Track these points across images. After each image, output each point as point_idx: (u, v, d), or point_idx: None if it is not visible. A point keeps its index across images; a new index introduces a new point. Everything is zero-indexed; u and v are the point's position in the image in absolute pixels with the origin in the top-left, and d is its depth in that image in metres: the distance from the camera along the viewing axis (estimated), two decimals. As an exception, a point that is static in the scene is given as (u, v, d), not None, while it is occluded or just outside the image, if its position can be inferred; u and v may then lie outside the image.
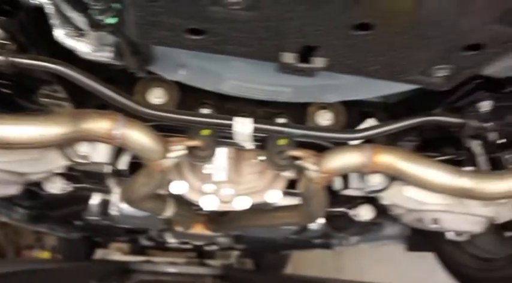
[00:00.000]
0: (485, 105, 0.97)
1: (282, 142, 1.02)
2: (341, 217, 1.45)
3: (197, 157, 1.00)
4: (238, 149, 1.12)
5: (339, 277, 3.17)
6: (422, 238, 1.55)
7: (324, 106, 1.10)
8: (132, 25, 0.65)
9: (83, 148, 0.97)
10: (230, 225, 1.61)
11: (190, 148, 0.99)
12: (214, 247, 3.18)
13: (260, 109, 1.09)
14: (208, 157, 1.00)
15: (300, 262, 3.70)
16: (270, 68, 0.75)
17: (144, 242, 3.09)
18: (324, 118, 1.09)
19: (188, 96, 1.04)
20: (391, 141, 1.10)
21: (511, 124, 1.02)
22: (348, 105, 1.10)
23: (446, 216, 1.13)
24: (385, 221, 1.58)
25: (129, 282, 3.18)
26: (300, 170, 1.06)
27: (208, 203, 1.15)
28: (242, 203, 1.17)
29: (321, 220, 1.48)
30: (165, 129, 1.01)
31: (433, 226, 1.17)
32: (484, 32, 0.57)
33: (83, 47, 0.79)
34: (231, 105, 1.07)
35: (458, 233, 1.29)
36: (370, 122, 1.09)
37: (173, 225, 1.82)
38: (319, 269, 3.56)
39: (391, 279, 2.18)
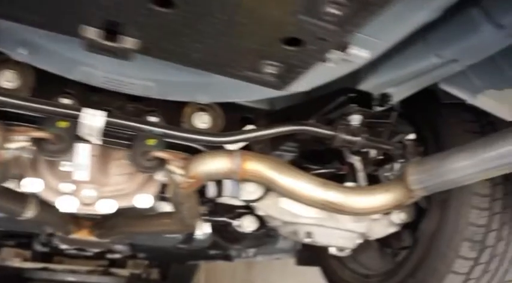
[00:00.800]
0: (355, 119, 0.97)
1: (151, 142, 0.94)
2: (227, 227, 1.39)
3: (47, 151, 0.88)
4: (107, 147, 1.02)
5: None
6: (310, 253, 1.54)
7: (203, 108, 1.04)
8: None
9: None
10: (112, 231, 1.49)
11: (39, 141, 0.87)
12: (117, 256, 2.99)
13: (130, 105, 1.00)
14: (61, 153, 0.89)
15: (211, 274, 3.61)
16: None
17: (38, 248, 2.83)
18: (201, 120, 1.03)
19: (48, 84, 0.92)
20: (268, 149, 1.07)
21: (378, 141, 1.03)
22: (229, 109, 1.05)
23: (318, 230, 1.11)
24: (278, 234, 1.56)
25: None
26: (169, 174, 0.99)
27: (66, 204, 1.03)
28: (107, 206, 1.06)
29: (207, 230, 1.41)
30: (19, 119, 0.89)
31: (306, 240, 1.14)
32: (297, 23, 0.54)
33: None
34: (98, 97, 0.97)
35: (340, 248, 1.28)
36: (248, 128, 1.05)
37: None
38: (230, 281, 3.50)
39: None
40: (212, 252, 1.91)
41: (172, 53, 0.64)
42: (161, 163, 0.95)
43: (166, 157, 0.93)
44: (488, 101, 0.97)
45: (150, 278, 3.54)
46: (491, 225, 1.09)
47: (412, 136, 1.09)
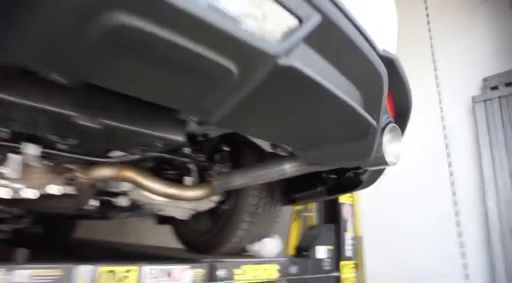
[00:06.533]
0: (187, 149, 1.77)
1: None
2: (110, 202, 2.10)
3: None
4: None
5: (124, 241, 3.86)
6: (165, 217, 2.36)
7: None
8: None
9: None
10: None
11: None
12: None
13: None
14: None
15: (89, 229, 4.21)
16: None
17: None
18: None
19: None
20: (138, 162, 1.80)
21: (199, 159, 1.85)
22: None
23: (165, 208, 1.92)
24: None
25: None
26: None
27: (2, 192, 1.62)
28: (30, 193, 1.68)
29: (95, 204, 2.10)
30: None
31: (160, 212, 1.95)
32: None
33: None
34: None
35: (180, 216, 2.12)
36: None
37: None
38: (106, 234, 4.15)
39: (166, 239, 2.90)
40: (95, 215, 2.58)
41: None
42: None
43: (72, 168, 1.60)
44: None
45: (34, 232, 3.97)
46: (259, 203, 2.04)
47: (219, 156, 1.94)
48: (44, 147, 1.43)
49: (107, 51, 0.57)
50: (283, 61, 0.70)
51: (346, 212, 2.64)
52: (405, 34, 3.87)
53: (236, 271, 1.72)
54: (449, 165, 3.64)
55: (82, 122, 0.99)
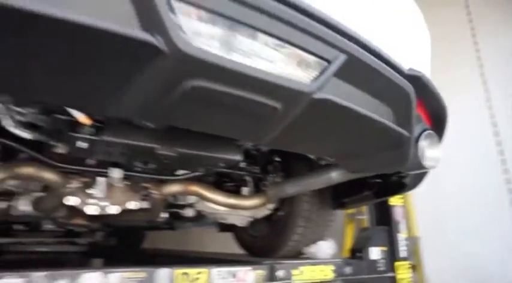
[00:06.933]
0: (242, 163, 1.99)
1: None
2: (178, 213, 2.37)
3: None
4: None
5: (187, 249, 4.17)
6: (226, 225, 2.59)
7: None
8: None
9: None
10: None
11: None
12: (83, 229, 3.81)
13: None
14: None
15: (156, 239, 4.58)
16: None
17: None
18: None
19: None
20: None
21: (254, 172, 2.05)
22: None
23: (227, 216, 2.15)
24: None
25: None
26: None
27: (92, 209, 1.93)
28: (114, 209, 1.98)
29: (166, 215, 2.38)
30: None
31: (222, 221, 2.18)
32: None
33: None
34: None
35: (240, 223, 2.35)
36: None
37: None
38: (170, 244, 4.49)
39: (227, 247, 3.16)
40: (164, 226, 2.89)
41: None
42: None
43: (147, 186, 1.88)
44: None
45: (108, 245, 4.39)
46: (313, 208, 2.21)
47: (271, 167, 2.14)
48: (125, 170, 1.71)
49: (185, 103, 0.79)
50: (317, 95, 0.89)
51: (397, 214, 2.71)
52: (448, 33, 3.87)
53: (294, 271, 1.89)
54: (503, 163, 3.56)
55: (162, 152, 1.24)
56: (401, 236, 2.66)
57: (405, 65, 1.22)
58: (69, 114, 1.13)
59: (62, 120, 1.17)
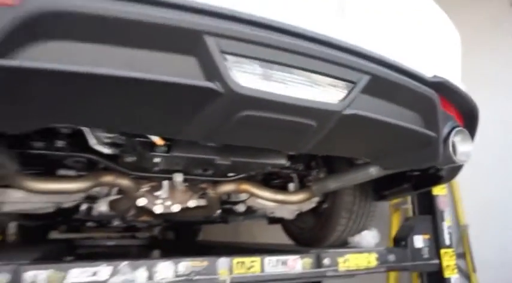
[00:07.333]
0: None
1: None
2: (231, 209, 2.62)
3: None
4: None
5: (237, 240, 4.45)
6: (275, 218, 2.81)
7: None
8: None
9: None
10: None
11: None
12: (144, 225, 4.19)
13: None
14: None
15: (208, 231, 4.92)
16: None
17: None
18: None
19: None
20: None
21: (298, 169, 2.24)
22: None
23: (275, 210, 2.37)
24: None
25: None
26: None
27: (158, 208, 2.22)
28: (176, 208, 2.26)
29: (220, 211, 2.64)
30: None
31: (271, 215, 2.40)
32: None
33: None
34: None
35: (287, 216, 2.55)
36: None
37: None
38: (222, 236, 4.80)
39: (276, 239, 3.39)
40: (218, 220, 3.17)
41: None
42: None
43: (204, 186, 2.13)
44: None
45: (166, 238, 4.79)
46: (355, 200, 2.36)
47: (314, 163, 2.32)
48: (185, 174, 1.98)
49: (239, 128, 1.01)
50: (346, 111, 1.07)
51: (441, 203, 2.80)
52: (487, 26, 3.79)
53: (339, 259, 2.07)
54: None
55: (220, 162, 1.48)
56: (446, 224, 2.74)
57: (430, 72, 1.36)
58: (146, 137, 1.41)
59: (140, 141, 1.46)
